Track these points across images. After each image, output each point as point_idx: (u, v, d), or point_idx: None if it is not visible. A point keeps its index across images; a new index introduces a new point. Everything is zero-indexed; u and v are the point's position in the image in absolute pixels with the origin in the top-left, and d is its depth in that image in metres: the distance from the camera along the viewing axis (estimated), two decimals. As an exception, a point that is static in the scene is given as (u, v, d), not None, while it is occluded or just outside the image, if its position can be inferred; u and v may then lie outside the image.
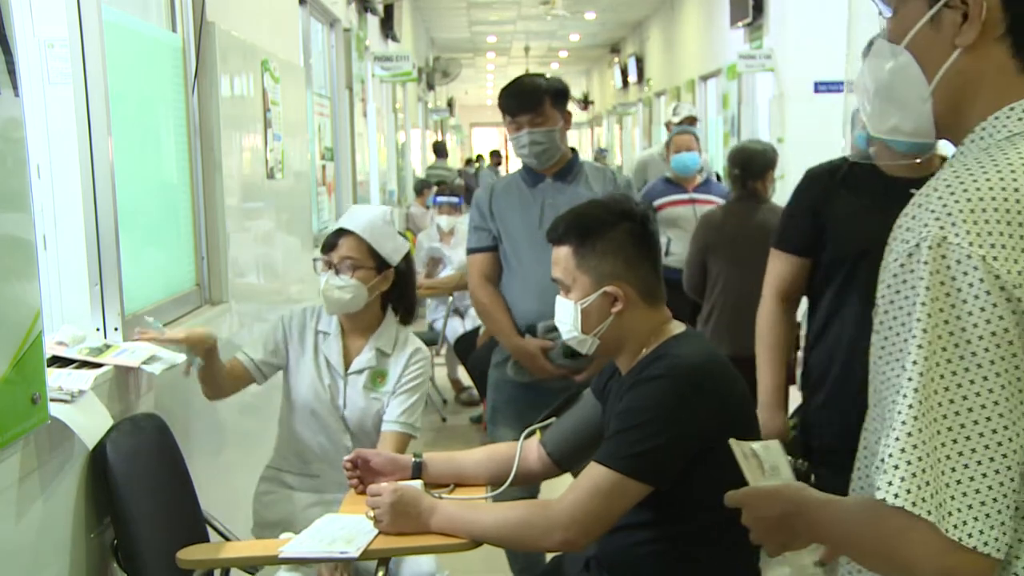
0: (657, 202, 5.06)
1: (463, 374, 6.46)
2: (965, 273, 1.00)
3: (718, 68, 10.35)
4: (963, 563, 0.99)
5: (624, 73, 16.98)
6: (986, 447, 0.99)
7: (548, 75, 3.31)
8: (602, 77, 22.08)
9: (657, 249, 2.11)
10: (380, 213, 2.83)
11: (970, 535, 0.98)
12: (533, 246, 3.04)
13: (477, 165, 18.19)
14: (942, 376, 1.00)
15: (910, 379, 1.00)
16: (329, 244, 2.74)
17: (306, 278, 4.42)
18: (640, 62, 15.87)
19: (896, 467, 0.99)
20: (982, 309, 0.99)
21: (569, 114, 3.20)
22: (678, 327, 2.08)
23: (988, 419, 0.99)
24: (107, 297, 2.47)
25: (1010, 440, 0.99)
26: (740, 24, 9.04)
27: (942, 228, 1.01)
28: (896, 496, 0.99)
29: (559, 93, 3.16)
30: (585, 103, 23.35)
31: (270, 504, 2.74)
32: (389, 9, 9.18)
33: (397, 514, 2.08)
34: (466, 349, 6.00)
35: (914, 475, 0.99)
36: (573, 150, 3.25)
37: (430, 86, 15.96)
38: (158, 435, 2.49)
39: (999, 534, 0.99)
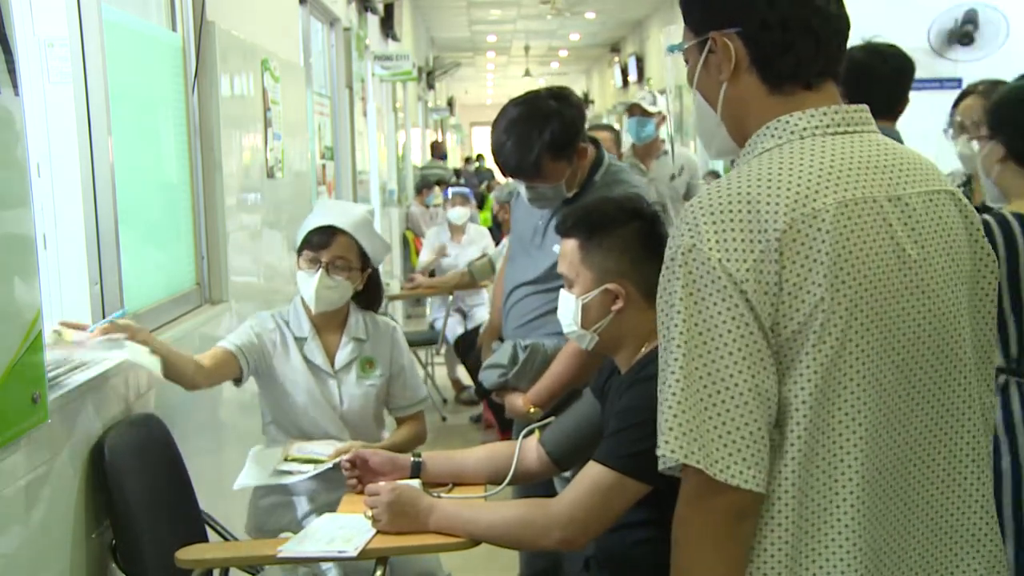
0: None
1: (463, 374, 6.46)
2: (707, 273, 1.27)
3: (718, 68, 10.34)
4: (730, 499, 1.26)
5: (624, 72, 16.96)
6: (736, 405, 1.25)
7: (555, 103, 2.69)
8: (602, 77, 22.06)
9: (663, 250, 2.10)
10: (365, 211, 2.81)
11: (733, 475, 1.25)
12: (516, 257, 2.98)
13: (477, 164, 18.18)
14: (699, 355, 1.26)
15: (676, 359, 1.27)
16: (319, 242, 2.67)
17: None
18: (640, 61, 15.85)
19: (671, 429, 1.26)
20: (722, 300, 1.26)
21: (583, 148, 2.70)
22: (677, 327, 2.08)
23: (736, 384, 1.25)
24: (107, 296, 2.47)
25: (753, 398, 1.25)
26: (740, 24, 9.04)
27: (692, 238, 1.29)
28: (673, 452, 1.26)
29: (561, 144, 2.64)
30: (585, 102, 23.37)
31: (270, 511, 2.72)
32: (389, 8, 9.17)
33: (395, 513, 2.08)
34: (466, 349, 6.00)
35: (684, 434, 1.25)
36: (598, 155, 2.81)
37: (430, 85, 15.96)
38: (157, 435, 2.49)
39: (756, 472, 1.25)
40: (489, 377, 2.80)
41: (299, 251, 2.74)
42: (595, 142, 2.81)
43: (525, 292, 2.86)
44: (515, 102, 2.79)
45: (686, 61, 1.46)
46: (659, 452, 1.27)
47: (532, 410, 2.69)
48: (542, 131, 2.63)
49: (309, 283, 2.66)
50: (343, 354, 2.76)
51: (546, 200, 2.76)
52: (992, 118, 2.28)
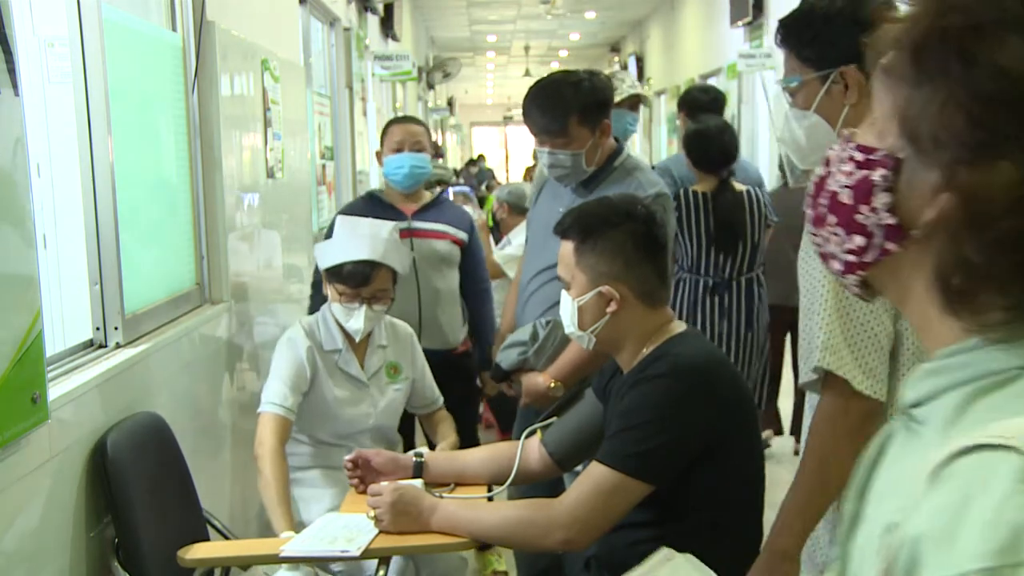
0: None
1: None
2: None
3: (718, 67, 10.34)
4: (863, 405, 1.67)
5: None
6: (867, 338, 1.67)
7: (586, 74, 2.82)
8: (602, 76, 22.07)
9: (662, 251, 2.10)
10: (391, 230, 2.79)
11: (865, 388, 1.66)
12: (537, 245, 2.96)
13: (477, 166, 18.16)
14: (840, 302, 1.67)
15: (823, 303, 1.68)
16: (359, 278, 2.66)
17: (306, 278, 4.42)
18: (640, 61, 15.86)
19: (825, 349, 1.67)
20: None
21: (607, 124, 2.78)
22: (679, 326, 2.08)
23: (867, 323, 1.67)
24: (107, 297, 2.47)
25: (880, 332, 1.67)
26: (740, 23, 9.04)
27: None
28: (827, 363, 1.66)
29: (591, 108, 2.73)
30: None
31: (298, 505, 2.70)
32: (389, 8, 9.17)
33: (398, 513, 2.08)
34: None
35: (833, 354, 1.66)
36: (618, 141, 2.90)
37: (430, 85, 15.95)
38: (158, 434, 2.49)
39: (880, 386, 1.67)
40: (508, 357, 2.76)
41: (330, 279, 2.72)
42: (616, 139, 2.89)
43: (547, 277, 2.80)
44: (548, 74, 2.92)
45: (791, 94, 1.81)
46: (815, 364, 1.67)
47: (553, 384, 2.63)
48: (571, 91, 2.74)
49: (355, 319, 2.69)
50: (372, 362, 2.80)
51: (564, 169, 2.78)
52: None
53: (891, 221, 0.81)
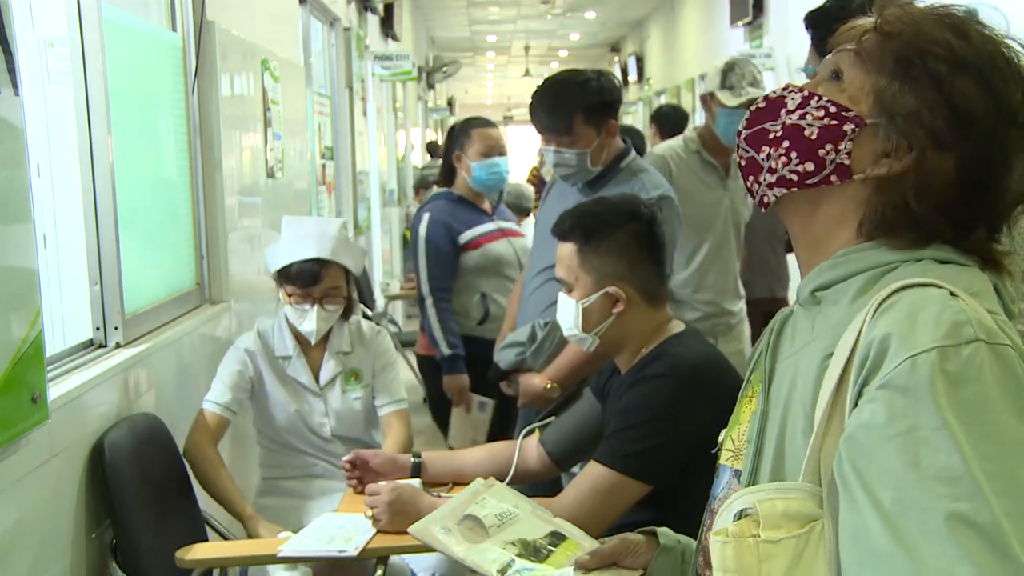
0: (471, 235, 3.47)
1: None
2: None
3: (718, 67, 10.33)
4: None
5: (624, 72, 16.96)
6: None
7: (594, 74, 2.82)
8: (602, 76, 22.04)
9: (662, 250, 2.11)
10: (339, 226, 2.75)
11: None
12: (540, 245, 2.97)
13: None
14: None
15: None
16: (308, 277, 2.61)
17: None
18: (640, 61, 15.85)
19: None
20: None
21: (613, 124, 2.78)
22: (678, 326, 2.08)
23: None
24: (107, 297, 2.47)
25: None
26: (740, 23, 9.04)
27: None
28: None
29: (596, 108, 2.73)
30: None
31: (281, 515, 2.68)
32: (389, 8, 9.17)
33: (395, 512, 2.09)
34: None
35: None
36: (626, 142, 2.87)
37: (430, 85, 15.95)
38: (156, 435, 2.49)
39: None
40: (506, 357, 2.76)
41: (280, 281, 2.69)
42: (624, 140, 2.89)
43: (548, 276, 2.77)
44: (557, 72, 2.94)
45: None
46: None
47: (549, 386, 2.63)
48: (578, 91, 2.75)
49: (307, 319, 2.64)
50: (326, 370, 2.73)
51: (569, 169, 2.78)
52: None
53: (847, 162, 1.03)
